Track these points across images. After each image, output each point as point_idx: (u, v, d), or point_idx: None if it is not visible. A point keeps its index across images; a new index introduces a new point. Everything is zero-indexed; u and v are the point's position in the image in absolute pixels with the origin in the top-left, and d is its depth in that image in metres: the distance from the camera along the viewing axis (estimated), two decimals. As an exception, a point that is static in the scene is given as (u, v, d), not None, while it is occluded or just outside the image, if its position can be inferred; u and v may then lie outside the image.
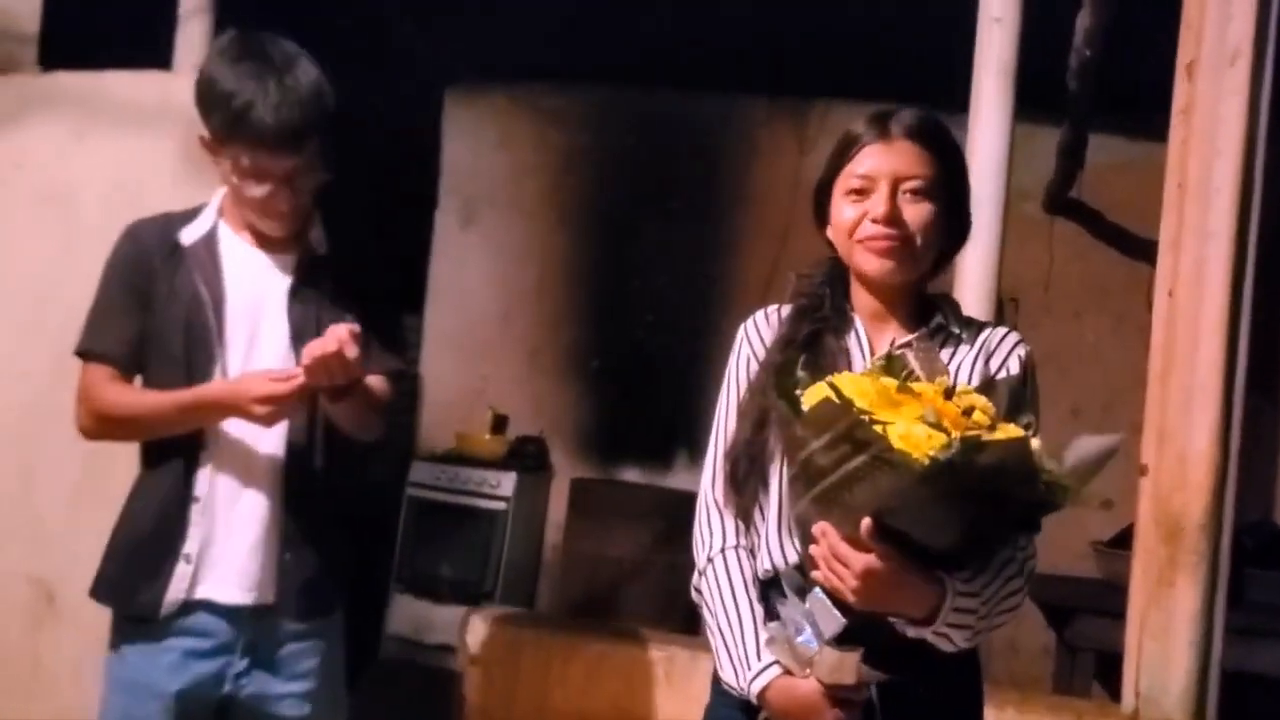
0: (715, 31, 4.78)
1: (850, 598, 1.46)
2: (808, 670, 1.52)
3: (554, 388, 5.61)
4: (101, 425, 2.01)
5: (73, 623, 3.23)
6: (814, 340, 1.68)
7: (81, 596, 3.17)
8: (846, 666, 1.48)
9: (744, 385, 1.73)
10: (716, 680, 1.69)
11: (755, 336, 1.75)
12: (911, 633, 1.52)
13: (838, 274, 1.74)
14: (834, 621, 1.48)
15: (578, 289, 5.62)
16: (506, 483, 5.24)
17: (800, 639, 1.51)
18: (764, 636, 1.59)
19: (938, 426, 1.40)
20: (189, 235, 2.01)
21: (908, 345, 1.65)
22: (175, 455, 1.98)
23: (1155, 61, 2.85)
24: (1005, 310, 3.85)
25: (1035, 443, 1.44)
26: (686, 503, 5.39)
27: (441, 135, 5.77)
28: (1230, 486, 2.65)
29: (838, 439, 1.41)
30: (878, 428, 1.39)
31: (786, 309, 1.75)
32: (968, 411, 1.46)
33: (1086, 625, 4.04)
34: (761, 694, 1.57)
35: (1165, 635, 2.62)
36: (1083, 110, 3.48)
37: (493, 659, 2.97)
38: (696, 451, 5.39)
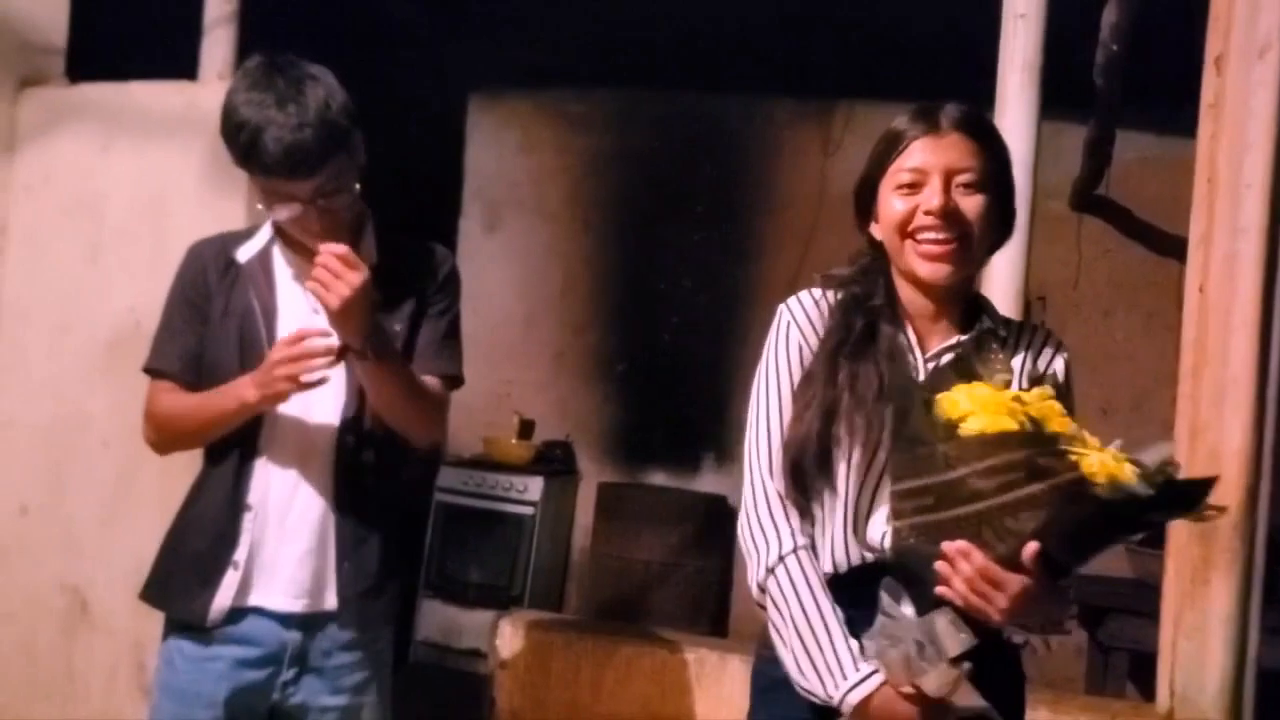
0: (738, 33, 4.77)
1: (997, 618, 1.44)
2: (914, 684, 1.49)
3: (580, 392, 5.61)
4: (160, 435, 2.04)
5: (105, 630, 3.26)
6: (869, 332, 1.65)
7: (113, 604, 3.23)
8: (958, 682, 1.47)
9: (794, 369, 1.67)
10: (762, 684, 1.68)
11: (804, 320, 1.69)
12: (1019, 637, 1.53)
13: (880, 268, 1.70)
14: (962, 641, 1.46)
15: (602, 293, 5.63)
16: (534, 487, 5.25)
17: (915, 654, 1.48)
18: (858, 646, 1.56)
19: (1132, 461, 1.40)
20: (245, 252, 2.04)
21: (957, 346, 1.64)
22: (229, 461, 1.99)
23: (1183, 55, 2.83)
24: (1032, 309, 3.82)
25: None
26: (714, 506, 5.39)
27: (465, 140, 5.80)
28: (1264, 483, 2.62)
29: (1011, 465, 1.39)
30: (1072, 457, 1.37)
31: (830, 295, 1.70)
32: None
33: (1120, 625, 4.01)
34: (861, 704, 1.53)
35: (1200, 634, 2.59)
36: (1110, 106, 3.44)
37: (523, 663, 2.97)
38: (723, 454, 5.39)
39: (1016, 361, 1.66)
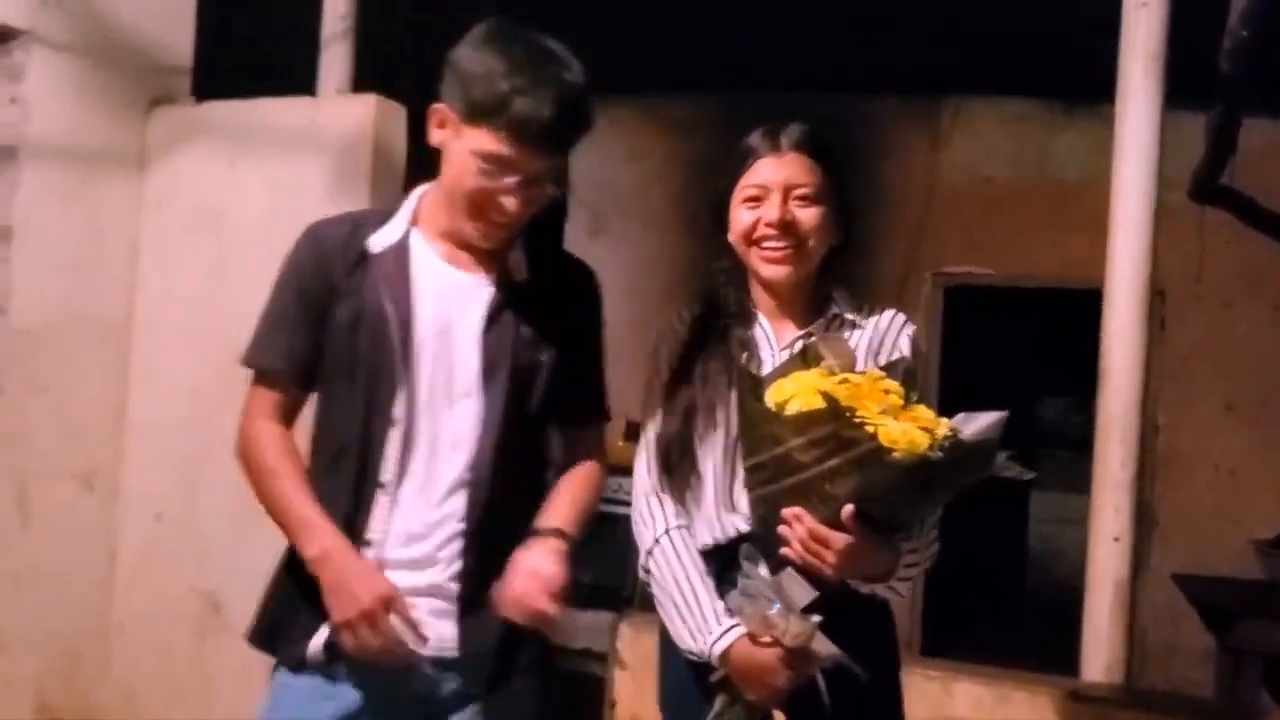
0: (842, 32, 4.74)
1: (830, 573, 1.64)
2: (771, 635, 1.68)
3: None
4: (241, 460, 1.82)
5: (237, 633, 3.33)
6: (723, 334, 1.88)
7: (245, 608, 3.30)
8: (812, 633, 1.66)
9: (664, 380, 1.89)
10: (666, 649, 1.87)
11: (671, 335, 1.92)
12: (865, 589, 1.73)
13: (738, 274, 1.92)
14: (806, 594, 1.66)
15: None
16: (643, 489, 5.26)
17: (770, 609, 1.67)
18: (722, 606, 1.76)
19: (924, 428, 1.58)
20: (377, 243, 1.79)
21: (808, 335, 1.85)
22: (345, 496, 1.75)
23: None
24: (1152, 304, 3.73)
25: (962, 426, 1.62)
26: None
27: (570, 147, 5.83)
28: None
29: (822, 439, 1.59)
30: (869, 428, 1.56)
31: (695, 308, 1.93)
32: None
33: (1251, 629, 3.89)
34: (724, 655, 1.74)
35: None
36: (1237, 93, 3.35)
37: (642, 664, 2.99)
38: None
39: (863, 343, 1.84)
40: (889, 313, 1.92)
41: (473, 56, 1.67)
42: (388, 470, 1.74)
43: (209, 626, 3.39)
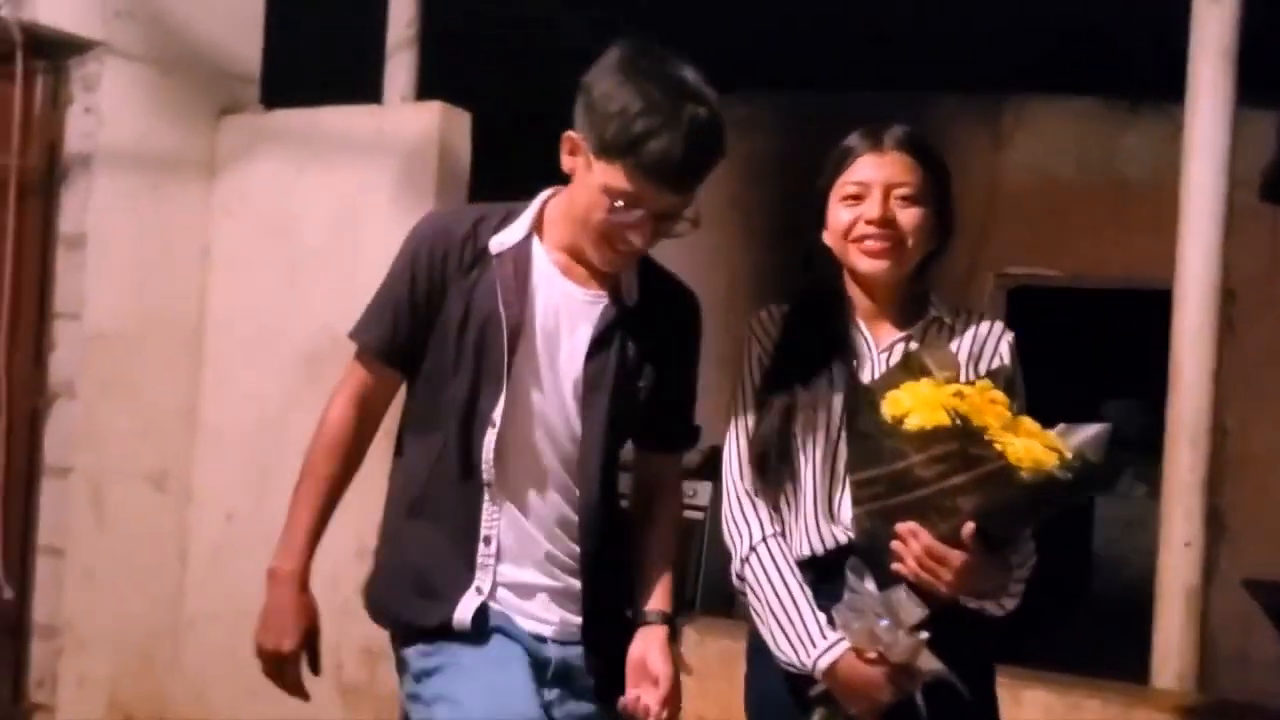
0: (900, 30, 4.71)
1: (944, 590, 1.61)
2: (877, 651, 1.66)
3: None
4: (318, 427, 1.84)
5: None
6: (820, 334, 1.83)
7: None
8: (918, 649, 1.64)
9: (756, 381, 1.84)
10: (755, 657, 1.84)
11: (762, 333, 1.87)
12: (973, 604, 1.70)
13: (833, 274, 1.87)
14: (917, 611, 1.63)
15: (767, 297, 5.56)
16: (703, 492, 5.26)
17: (878, 625, 1.65)
18: (824, 618, 1.72)
19: (1050, 447, 1.57)
20: (498, 243, 1.78)
21: (908, 339, 1.81)
22: (454, 490, 1.78)
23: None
24: (1222, 304, 3.67)
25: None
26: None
27: (629, 150, 5.85)
28: None
29: (947, 455, 1.56)
30: (997, 446, 1.54)
31: (787, 308, 1.89)
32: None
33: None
34: (829, 669, 1.71)
35: None
36: (1308, 90, 3.29)
37: (708, 669, 2.98)
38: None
39: (963, 350, 1.80)
40: (986, 320, 1.88)
41: (606, 91, 1.66)
42: (488, 472, 1.77)
43: (278, 626, 3.43)
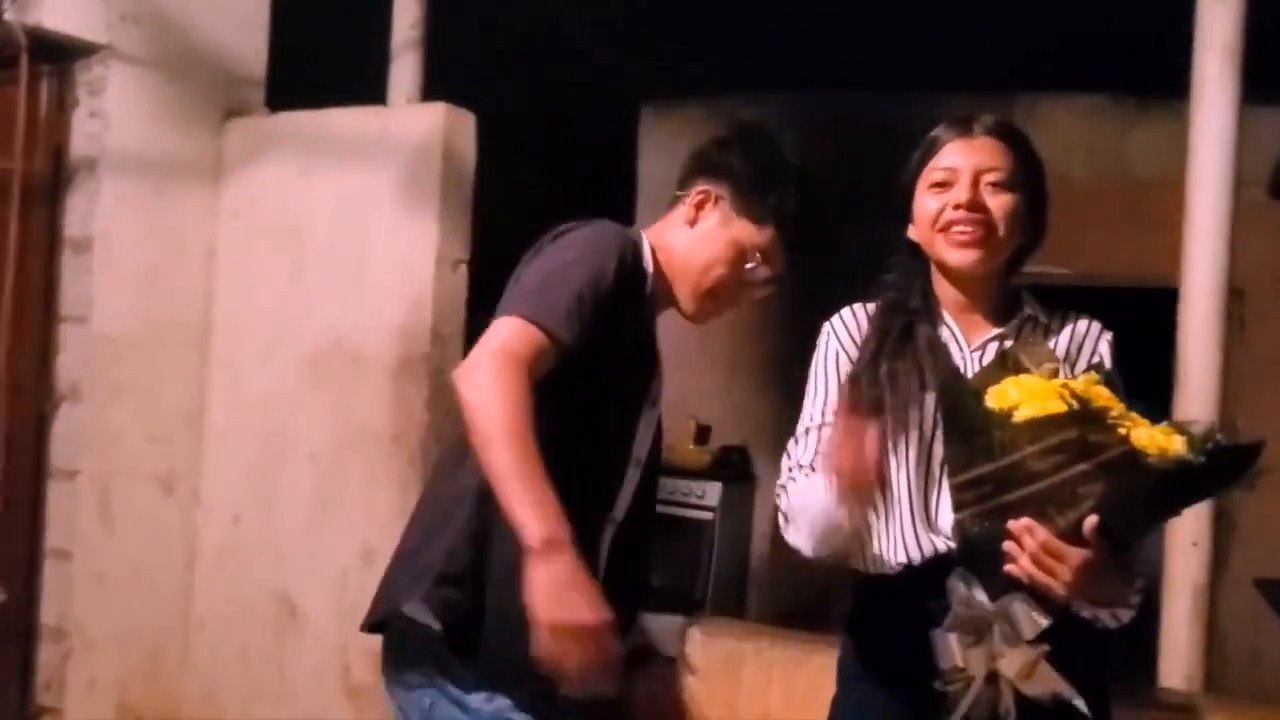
0: (909, 30, 4.70)
1: (1061, 592, 1.49)
2: (991, 668, 1.54)
3: (755, 397, 5.59)
4: (472, 394, 1.58)
5: (313, 635, 3.41)
6: (908, 331, 1.74)
7: (319, 610, 3.39)
8: (1037, 664, 1.52)
9: (833, 379, 1.78)
10: (846, 675, 1.80)
11: (843, 332, 1.81)
12: (1087, 613, 1.58)
13: (919, 269, 1.80)
14: (1037, 623, 1.52)
15: (776, 297, 5.58)
16: (712, 493, 5.26)
17: (995, 638, 1.54)
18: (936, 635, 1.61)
19: (1179, 429, 1.46)
20: (647, 277, 1.85)
21: (1001, 338, 1.72)
22: (588, 508, 1.71)
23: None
24: (1231, 303, 3.65)
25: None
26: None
27: (638, 151, 5.85)
28: None
29: (1064, 444, 1.45)
30: (1121, 430, 1.43)
31: (871, 306, 1.82)
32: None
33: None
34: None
35: None
36: (1316, 87, 3.27)
37: (713, 670, 2.98)
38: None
39: (1061, 349, 1.71)
40: (1084, 318, 1.80)
41: (749, 151, 1.84)
42: (620, 510, 1.84)
43: (285, 627, 3.45)
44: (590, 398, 1.72)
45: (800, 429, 1.80)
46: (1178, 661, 2.93)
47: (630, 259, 1.77)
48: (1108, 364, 1.72)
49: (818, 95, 5.35)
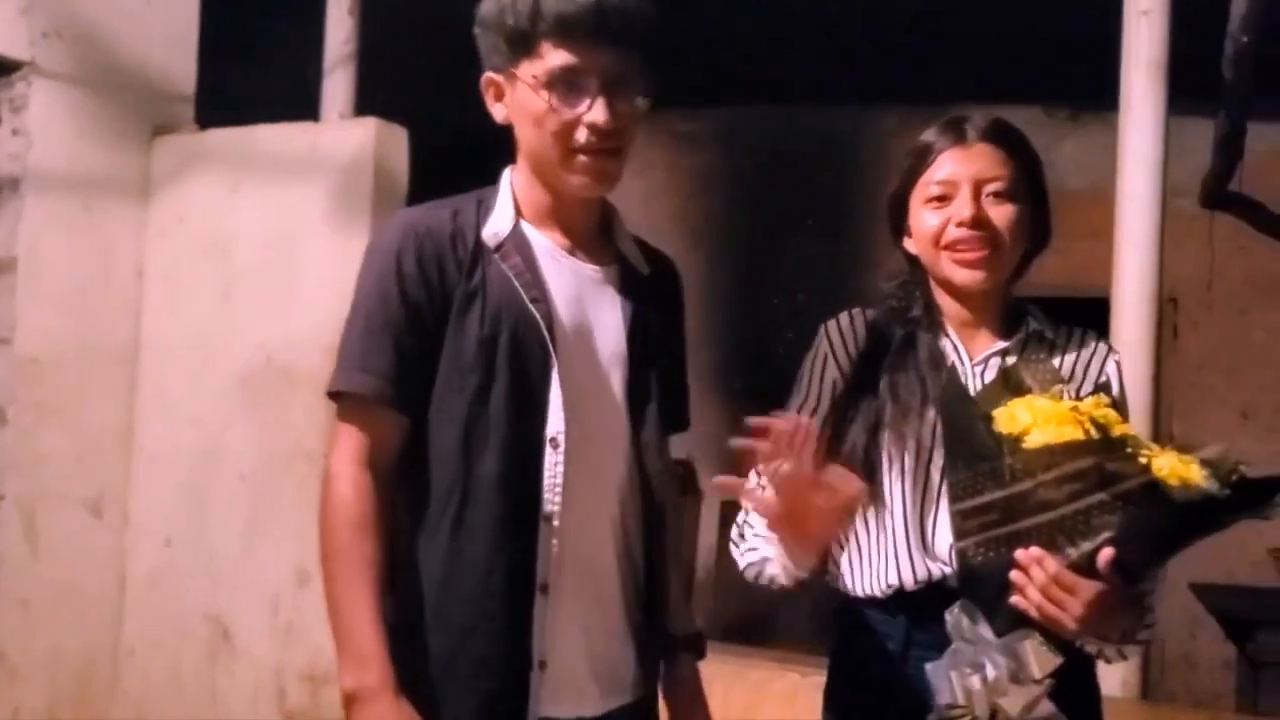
0: (843, 44, 4.74)
1: (1071, 626, 1.42)
2: (994, 704, 1.45)
3: (697, 410, 5.55)
4: (321, 514, 1.46)
5: (247, 657, 3.35)
6: (908, 342, 1.66)
7: (253, 632, 3.33)
8: (1039, 699, 1.45)
9: (816, 384, 1.69)
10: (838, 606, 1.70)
11: (837, 338, 1.71)
12: (1091, 647, 1.50)
13: (919, 280, 1.71)
14: (1050, 662, 1.44)
15: (717, 309, 5.61)
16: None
17: (1001, 675, 1.45)
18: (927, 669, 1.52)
19: (1206, 461, 1.39)
20: (493, 235, 1.50)
21: (1004, 353, 1.64)
22: (495, 537, 1.46)
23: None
24: (1164, 311, 3.71)
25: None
26: (841, 522, 5.17)
27: (576, 165, 5.84)
28: None
29: (1079, 473, 1.39)
30: (1141, 459, 1.37)
31: (871, 312, 1.72)
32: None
33: (1271, 638, 3.85)
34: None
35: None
36: (1240, 98, 3.32)
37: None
38: (846, 469, 5.32)
39: (1066, 368, 1.64)
40: (1090, 336, 1.70)
41: (490, 5, 1.48)
42: (552, 500, 1.47)
43: (219, 650, 3.39)
44: (447, 399, 1.47)
45: None
46: (1115, 667, 2.95)
47: (425, 252, 1.46)
48: (1115, 387, 1.62)
49: (754, 109, 5.39)
